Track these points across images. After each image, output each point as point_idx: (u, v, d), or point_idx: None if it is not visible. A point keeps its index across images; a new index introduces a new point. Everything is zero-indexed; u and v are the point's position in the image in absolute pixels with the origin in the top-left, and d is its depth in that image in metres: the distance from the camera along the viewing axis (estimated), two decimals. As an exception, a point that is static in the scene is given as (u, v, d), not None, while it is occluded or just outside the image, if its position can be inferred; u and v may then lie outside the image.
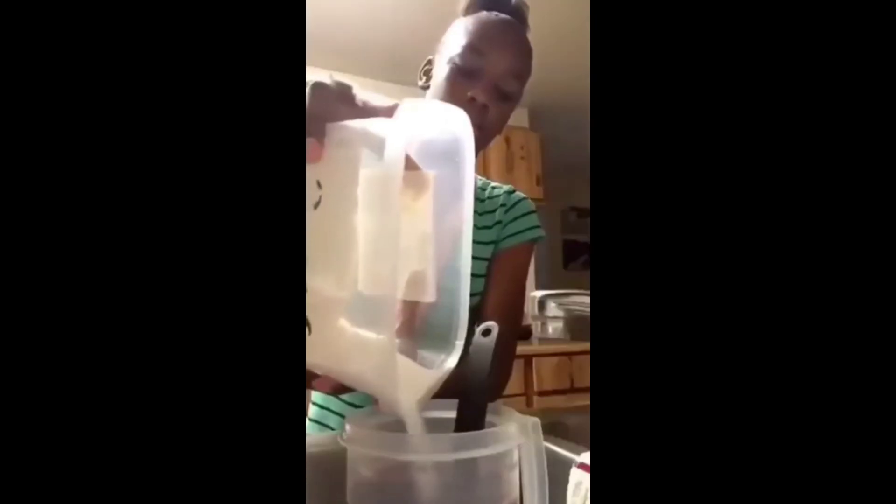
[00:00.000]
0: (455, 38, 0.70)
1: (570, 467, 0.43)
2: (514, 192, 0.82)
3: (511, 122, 0.77)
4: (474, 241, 0.75)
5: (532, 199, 0.85)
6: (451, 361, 0.37)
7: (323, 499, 0.42)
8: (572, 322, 0.60)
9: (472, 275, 0.75)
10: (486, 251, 0.76)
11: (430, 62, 0.76)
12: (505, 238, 0.77)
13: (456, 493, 0.33)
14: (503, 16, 0.71)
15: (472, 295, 0.75)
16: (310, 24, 2.26)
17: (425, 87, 0.76)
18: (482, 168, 2.91)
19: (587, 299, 0.58)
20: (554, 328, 0.60)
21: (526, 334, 2.27)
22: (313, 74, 0.33)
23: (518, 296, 0.77)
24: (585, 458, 0.43)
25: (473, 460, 0.32)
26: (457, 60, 0.67)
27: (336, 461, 0.37)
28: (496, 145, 2.98)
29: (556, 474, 0.38)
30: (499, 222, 0.78)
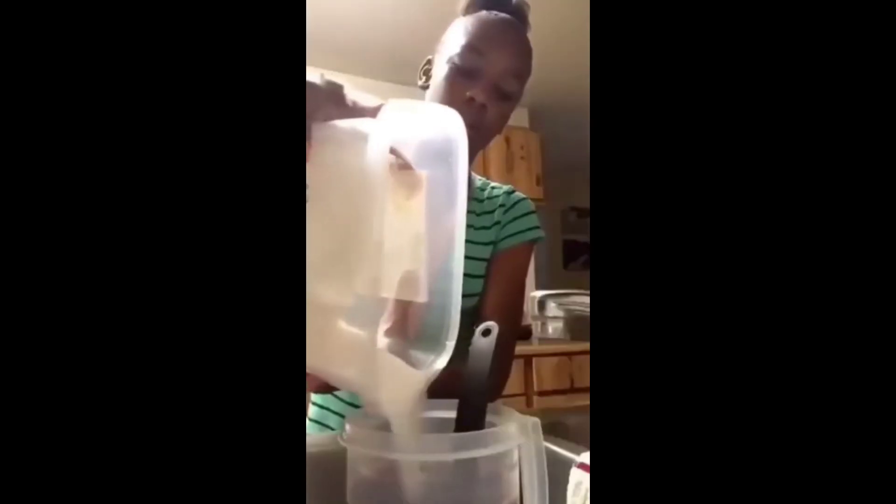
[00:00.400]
0: (455, 38, 0.69)
1: (570, 467, 0.43)
2: (513, 192, 0.82)
3: (511, 122, 0.77)
4: (474, 242, 0.76)
5: (532, 199, 0.85)
6: (441, 362, 0.37)
7: (323, 499, 0.42)
8: (572, 322, 0.60)
9: (472, 275, 0.74)
10: (486, 251, 0.76)
11: (429, 62, 0.76)
12: (504, 238, 0.77)
13: (456, 493, 0.33)
14: (503, 15, 0.71)
15: (471, 295, 0.76)
16: (310, 24, 2.26)
17: (425, 87, 0.76)
18: (482, 168, 2.90)
19: (587, 299, 0.57)
20: (554, 328, 0.60)
21: (526, 334, 2.27)
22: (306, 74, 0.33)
23: (518, 296, 0.77)
24: (585, 458, 0.43)
25: (473, 460, 0.32)
26: (456, 60, 0.67)
27: (336, 461, 0.37)
28: (496, 145, 2.98)
29: (556, 474, 0.38)
30: (498, 223, 0.78)
